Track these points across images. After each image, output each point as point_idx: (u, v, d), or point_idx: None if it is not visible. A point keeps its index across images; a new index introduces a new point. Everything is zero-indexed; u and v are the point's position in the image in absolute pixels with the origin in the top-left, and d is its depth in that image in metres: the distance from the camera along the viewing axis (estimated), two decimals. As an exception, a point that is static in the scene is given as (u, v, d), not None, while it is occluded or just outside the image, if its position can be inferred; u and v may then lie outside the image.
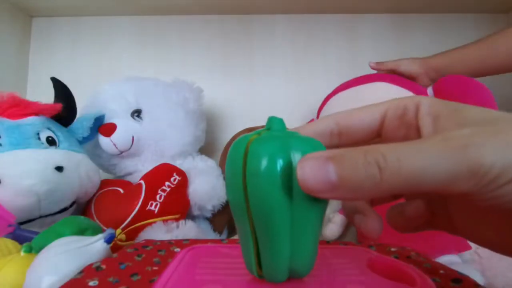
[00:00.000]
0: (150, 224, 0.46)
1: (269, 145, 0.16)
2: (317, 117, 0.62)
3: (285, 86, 0.73)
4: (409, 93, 0.55)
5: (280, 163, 0.15)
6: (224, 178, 0.55)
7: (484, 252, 0.46)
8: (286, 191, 0.15)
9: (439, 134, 0.15)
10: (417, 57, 0.61)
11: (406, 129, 0.18)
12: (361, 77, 0.59)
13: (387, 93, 0.55)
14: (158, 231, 0.45)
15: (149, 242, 0.32)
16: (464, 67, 0.59)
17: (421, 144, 0.14)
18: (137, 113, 0.55)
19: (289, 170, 0.15)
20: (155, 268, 0.25)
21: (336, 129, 0.20)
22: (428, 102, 0.17)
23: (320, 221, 0.17)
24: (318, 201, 0.16)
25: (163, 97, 0.57)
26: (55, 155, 0.45)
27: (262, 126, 0.22)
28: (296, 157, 0.15)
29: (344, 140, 0.20)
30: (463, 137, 0.14)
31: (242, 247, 0.17)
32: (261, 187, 0.15)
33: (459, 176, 0.13)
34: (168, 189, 0.50)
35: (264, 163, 0.15)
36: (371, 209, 0.19)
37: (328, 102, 0.60)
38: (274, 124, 0.17)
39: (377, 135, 0.19)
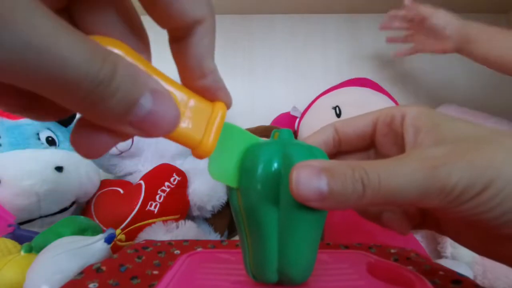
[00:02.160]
0: (150, 224, 0.46)
1: (263, 149, 0.16)
2: (300, 120, 0.62)
3: (285, 86, 0.73)
4: (382, 96, 0.58)
5: (269, 166, 0.16)
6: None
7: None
8: (272, 194, 0.16)
9: (416, 151, 0.17)
10: (454, 16, 0.56)
11: (394, 136, 0.20)
12: (340, 83, 0.62)
13: (362, 96, 0.58)
14: (158, 232, 0.45)
15: (149, 243, 0.32)
16: (498, 56, 0.52)
17: (399, 162, 0.16)
18: (137, 113, 0.55)
19: (277, 175, 0.16)
20: (155, 272, 0.25)
21: (337, 137, 0.21)
22: (413, 114, 0.19)
23: (316, 229, 0.17)
24: (310, 210, 0.16)
25: (163, 97, 0.57)
26: (55, 155, 0.45)
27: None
28: (288, 162, 0.16)
29: (343, 147, 0.22)
30: (434, 158, 0.15)
31: (242, 248, 0.18)
32: (249, 186, 0.16)
33: (429, 193, 0.15)
34: (168, 190, 0.50)
35: (253, 164, 0.16)
36: (398, 208, 0.20)
37: (312, 106, 0.61)
38: (282, 133, 0.18)
39: (371, 141, 0.21)
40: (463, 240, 0.19)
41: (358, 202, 0.15)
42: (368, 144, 0.22)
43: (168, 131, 0.13)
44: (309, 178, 0.15)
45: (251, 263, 0.18)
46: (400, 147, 0.19)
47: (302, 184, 0.15)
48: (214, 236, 0.54)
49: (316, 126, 0.57)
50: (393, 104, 0.58)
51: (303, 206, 0.15)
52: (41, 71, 0.10)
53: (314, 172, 0.15)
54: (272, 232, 0.16)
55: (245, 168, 0.16)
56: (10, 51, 0.10)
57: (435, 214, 0.20)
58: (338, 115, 0.56)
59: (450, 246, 0.50)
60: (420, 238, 0.52)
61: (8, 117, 0.45)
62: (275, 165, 0.16)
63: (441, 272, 0.26)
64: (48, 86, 0.11)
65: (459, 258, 0.48)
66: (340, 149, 0.22)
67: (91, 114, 0.12)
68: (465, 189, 0.15)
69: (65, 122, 0.51)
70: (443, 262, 0.43)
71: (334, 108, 0.57)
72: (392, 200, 0.15)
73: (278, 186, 0.16)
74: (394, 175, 0.15)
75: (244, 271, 0.18)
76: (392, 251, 0.30)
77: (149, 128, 0.12)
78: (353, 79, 0.62)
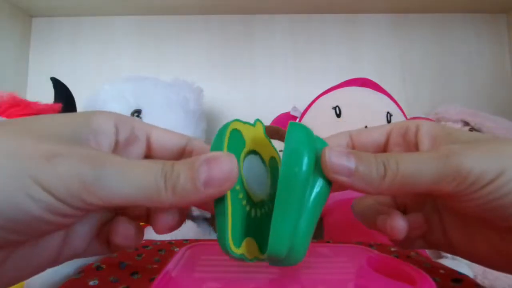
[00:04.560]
0: (149, 224, 0.46)
1: (305, 128, 0.19)
2: (300, 120, 0.62)
3: (285, 86, 0.73)
4: (382, 96, 0.58)
5: (311, 141, 0.19)
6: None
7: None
8: (312, 166, 0.18)
9: (433, 149, 0.19)
10: None
11: (406, 146, 0.22)
12: (340, 83, 0.62)
13: (362, 96, 0.57)
14: (158, 231, 0.45)
15: (149, 242, 0.32)
16: None
17: (416, 154, 0.18)
18: (137, 113, 0.55)
19: (315, 154, 0.18)
20: (155, 266, 0.25)
21: (351, 144, 0.23)
22: (427, 125, 0.21)
23: (320, 211, 0.19)
24: (327, 190, 0.18)
25: (163, 97, 0.57)
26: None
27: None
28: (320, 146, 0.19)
29: None
30: (449, 149, 0.17)
31: (217, 226, 0.18)
32: (295, 155, 0.18)
33: (443, 179, 0.17)
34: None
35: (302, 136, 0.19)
36: (394, 210, 0.22)
37: (312, 106, 0.61)
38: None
39: (384, 150, 0.23)
40: (475, 252, 0.20)
41: (380, 184, 0.17)
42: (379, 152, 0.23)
43: (231, 177, 0.16)
44: (340, 157, 0.18)
45: (230, 240, 0.18)
46: None
47: (334, 160, 0.18)
48: (214, 236, 0.54)
49: (316, 126, 0.57)
50: (393, 104, 0.58)
51: (326, 187, 0.18)
52: (131, 191, 0.15)
53: (344, 152, 0.18)
54: (299, 203, 0.18)
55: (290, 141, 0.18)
56: (121, 191, 0.15)
57: (446, 221, 0.21)
58: (338, 115, 0.56)
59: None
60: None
61: (8, 117, 0.45)
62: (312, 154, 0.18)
63: (441, 271, 0.26)
64: (141, 198, 0.16)
65: (459, 258, 0.48)
66: None
67: (179, 201, 0.16)
68: (479, 176, 0.16)
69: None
70: (443, 262, 0.43)
71: (334, 108, 0.57)
72: (410, 184, 0.17)
73: (315, 163, 0.18)
74: (412, 161, 0.17)
75: (243, 263, 0.18)
76: (392, 249, 0.30)
77: (217, 183, 0.16)
78: (353, 79, 0.62)
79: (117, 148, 0.20)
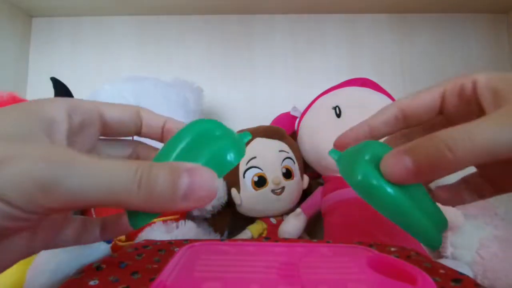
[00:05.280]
0: (149, 224, 0.46)
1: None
2: (300, 120, 0.62)
3: (285, 86, 0.73)
4: (382, 96, 0.58)
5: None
6: (224, 178, 0.55)
7: (486, 253, 0.46)
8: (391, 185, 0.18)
9: (502, 109, 0.17)
10: None
11: (466, 105, 0.20)
12: (340, 83, 0.62)
13: (362, 96, 0.58)
14: (158, 232, 0.45)
15: (149, 242, 0.32)
16: None
17: (488, 120, 0.16)
18: (137, 113, 0.55)
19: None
20: (155, 266, 0.25)
21: (401, 115, 0.22)
22: (484, 78, 0.19)
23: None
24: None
25: (163, 97, 0.57)
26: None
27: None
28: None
29: (410, 122, 0.23)
30: None
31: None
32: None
33: None
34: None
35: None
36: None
37: (312, 106, 0.61)
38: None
39: (440, 113, 0.22)
40: None
41: (451, 165, 0.16)
42: (435, 116, 0.22)
43: (211, 195, 0.16)
44: (395, 162, 0.17)
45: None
46: (475, 114, 0.20)
47: (391, 169, 0.17)
48: (214, 236, 0.54)
49: (316, 126, 0.57)
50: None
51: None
52: (98, 194, 0.14)
53: (397, 156, 0.17)
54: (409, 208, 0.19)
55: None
56: (73, 191, 0.14)
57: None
58: (338, 115, 0.56)
59: (450, 246, 0.50)
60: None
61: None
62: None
63: (441, 271, 0.26)
64: (108, 201, 0.14)
65: (459, 258, 0.48)
66: (406, 125, 0.23)
67: (151, 206, 0.15)
68: None
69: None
70: (443, 262, 0.43)
71: (334, 108, 0.57)
72: (491, 154, 0.16)
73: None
74: (488, 129, 0.16)
75: (244, 263, 0.18)
76: (393, 249, 0.30)
77: (197, 197, 0.15)
78: (353, 79, 0.62)
79: (72, 134, 0.19)
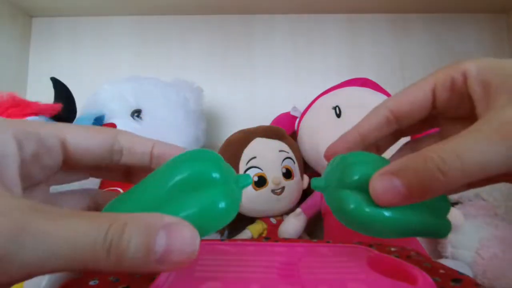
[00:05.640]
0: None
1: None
2: (300, 120, 0.62)
3: (285, 86, 0.73)
4: (382, 96, 0.58)
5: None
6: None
7: (486, 253, 0.46)
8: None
9: (493, 117, 0.16)
10: None
11: (459, 99, 0.19)
12: (340, 83, 0.62)
13: (362, 96, 0.58)
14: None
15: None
16: None
17: (477, 134, 0.15)
18: (137, 113, 0.55)
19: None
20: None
21: (392, 116, 0.21)
22: (475, 69, 0.18)
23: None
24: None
25: (163, 97, 0.57)
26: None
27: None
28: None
29: (403, 123, 0.21)
30: (509, 122, 0.15)
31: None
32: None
33: None
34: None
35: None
36: None
37: (312, 106, 0.61)
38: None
39: (433, 108, 0.20)
40: None
41: (443, 187, 0.15)
42: (429, 112, 0.21)
43: (190, 258, 0.14)
44: (384, 187, 0.16)
45: None
46: (468, 109, 0.19)
47: (381, 194, 0.16)
48: (214, 236, 0.54)
49: (316, 126, 0.57)
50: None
51: None
52: (59, 263, 0.12)
53: (386, 178, 0.16)
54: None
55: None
56: (34, 256, 0.12)
57: None
58: (338, 115, 0.56)
59: (450, 246, 0.50)
60: (420, 238, 0.52)
61: (7, 117, 0.45)
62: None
63: (441, 271, 0.26)
64: (72, 268, 0.12)
65: (459, 258, 0.48)
66: (399, 127, 0.22)
67: (121, 270, 0.13)
68: None
69: (65, 122, 0.51)
70: (443, 262, 0.43)
71: (334, 108, 0.57)
72: (482, 173, 0.15)
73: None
74: (476, 148, 0.15)
75: (243, 262, 0.18)
76: (393, 249, 0.30)
77: (174, 260, 0.13)
78: (353, 79, 0.62)
79: (25, 167, 0.16)
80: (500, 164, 0.15)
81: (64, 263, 0.12)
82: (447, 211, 0.20)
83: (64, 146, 0.18)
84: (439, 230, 0.19)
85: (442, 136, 0.23)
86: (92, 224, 0.13)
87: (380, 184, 0.16)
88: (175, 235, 0.13)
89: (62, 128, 0.18)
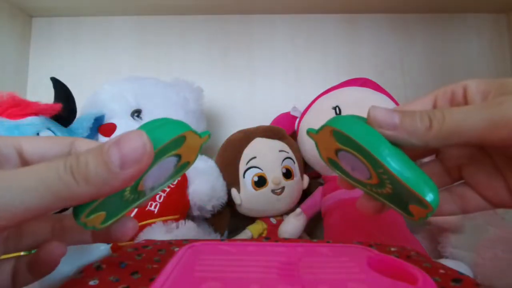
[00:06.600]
0: (149, 224, 0.46)
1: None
2: (300, 120, 0.62)
3: (285, 86, 0.73)
4: (382, 96, 0.58)
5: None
6: (224, 178, 0.55)
7: (486, 253, 0.46)
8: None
9: (485, 101, 0.19)
10: None
11: None
12: (340, 83, 0.62)
13: (362, 96, 0.58)
14: (158, 232, 0.45)
15: (149, 242, 0.32)
16: None
17: (465, 106, 0.18)
18: (137, 113, 0.55)
19: None
20: (155, 266, 0.25)
21: None
22: (476, 83, 0.20)
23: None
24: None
25: (163, 97, 0.57)
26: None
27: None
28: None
29: None
30: (502, 98, 0.17)
31: None
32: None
33: (496, 125, 0.16)
34: (168, 189, 0.50)
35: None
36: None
37: (312, 106, 0.61)
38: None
39: None
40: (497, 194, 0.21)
41: (425, 134, 0.18)
42: None
43: (147, 150, 0.16)
44: (384, 113, 0.19)
45: None
46: None
47: (378, 115, 0.19)
48: (214, 236, 0.54)
49: (316, 126, 0.57)
50: (393, 104, 0.58)
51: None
52: (32, 194, 0.14)
53: (388, 110, 0.19)
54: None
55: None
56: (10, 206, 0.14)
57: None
58: (338, 115, 0.56)
59: (450, 246, 0.50)
60: (420, 238, 0.52)
61: (7, 117, 0.45)
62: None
63: (441, 271, 0.26)
64: (52, 202, 0.15)
65: (459, 258, 0.48)
66: None
67: (98, 191, 0.15)
68: None
69: (65, 122, 0.51)
70: (443, 262, 0.43)
71: (334, 108, 0.57)
72: (458, 133, 0.17)
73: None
74: (458, 111, 0.18)
75: (243, 262, 0.18)
76: (393, 249, 0.30)
77: (134, 160, 0.15)
78: (353, 79, 0.62)
79: None
80: (481, 123, 0.17)
81: (39, 195, 0.14)
82: (436, 189, 0.20)
83: (21, 154, 0.19)
84: (428, 191, 0.19)
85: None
86: (49, 163, 0.15)
87: (380, 110, 0.19)
88: (123, 144, 0.15)
89: (18, 139, 0.20)
